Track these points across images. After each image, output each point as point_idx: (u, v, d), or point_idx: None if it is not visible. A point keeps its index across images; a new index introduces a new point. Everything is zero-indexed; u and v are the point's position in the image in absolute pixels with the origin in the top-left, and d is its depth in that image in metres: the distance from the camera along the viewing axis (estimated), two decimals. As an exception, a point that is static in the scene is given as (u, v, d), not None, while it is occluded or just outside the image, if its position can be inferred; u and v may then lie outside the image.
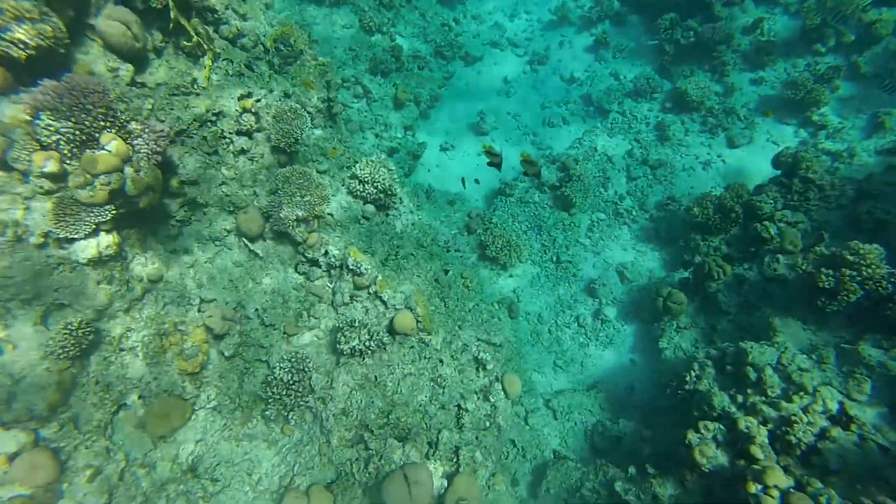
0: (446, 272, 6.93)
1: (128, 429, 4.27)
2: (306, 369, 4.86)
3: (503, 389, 5.92)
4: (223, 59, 6.10)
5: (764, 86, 9.89)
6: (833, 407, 4.87)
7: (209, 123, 5.68)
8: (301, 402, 4.67)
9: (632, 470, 5.52)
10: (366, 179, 6.79)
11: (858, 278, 5.21)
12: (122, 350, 4.42)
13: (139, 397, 4.36)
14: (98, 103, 4.03)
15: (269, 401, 4.60)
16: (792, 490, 4.29)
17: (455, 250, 8.11)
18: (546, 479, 5.80)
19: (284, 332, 5.32)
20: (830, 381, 5.10)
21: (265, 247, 5.80)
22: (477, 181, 9.31)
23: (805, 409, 4.90)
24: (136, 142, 4.37)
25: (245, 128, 5.90)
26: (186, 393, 4.49)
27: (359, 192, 6.86)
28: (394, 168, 7.09)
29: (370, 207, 6.92)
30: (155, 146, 4.50)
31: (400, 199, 7.69)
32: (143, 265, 4.78)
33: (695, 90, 9.91)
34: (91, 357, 4.29)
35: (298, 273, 5.95)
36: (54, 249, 4.20)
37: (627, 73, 11.14)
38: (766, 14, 10.28)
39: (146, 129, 4.47)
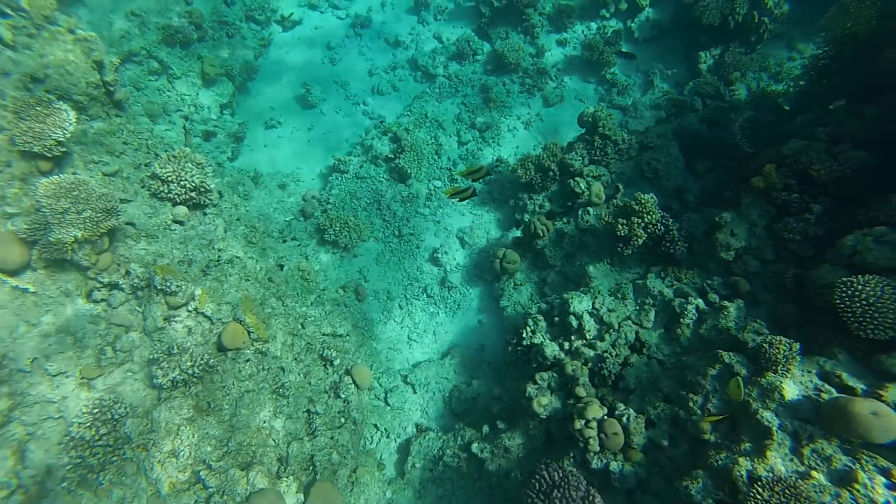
0: (281, 267, 6.46)
1: None
2: (116, 416, 4.18)
3: (353, 382, 5.85)
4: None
5: (567, 47, 10.77)
6: (631, 337, 5.76)
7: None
8: (114, 458, 4.03)
9: (485, 428, 5.96)
10: (169, 179, 5.89)
11: (642, 224, 6.10)
12: None
13: None
14: None
15: (69, 468, 3.87)
16: (605, 417, 5.03)
17: (291, 239, 7.60)
18: (411, 455, 5.98)
19: (82, 377, 4.49)
20: (630, 315, 6.00)
21: (37, 278, 4.73)
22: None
23: (613, 344, 5.73)
24: None
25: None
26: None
27: (164, 194, 5.96)
28: (204, 160, 6.26)
29: (181, 209, 6.06)
30: None
31: (219, 193, 6.88)
32: None
33: (511, 52, 10.37)
34: None
35: (93, 302, 5.01)
36: None
37: (450, 35, 11.20)
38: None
39: None
